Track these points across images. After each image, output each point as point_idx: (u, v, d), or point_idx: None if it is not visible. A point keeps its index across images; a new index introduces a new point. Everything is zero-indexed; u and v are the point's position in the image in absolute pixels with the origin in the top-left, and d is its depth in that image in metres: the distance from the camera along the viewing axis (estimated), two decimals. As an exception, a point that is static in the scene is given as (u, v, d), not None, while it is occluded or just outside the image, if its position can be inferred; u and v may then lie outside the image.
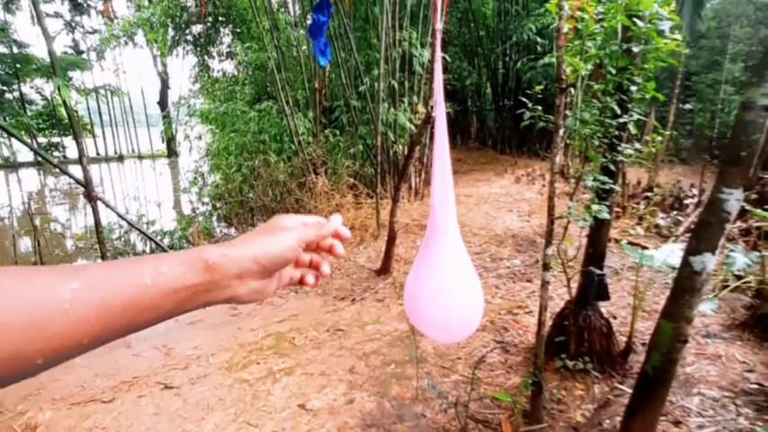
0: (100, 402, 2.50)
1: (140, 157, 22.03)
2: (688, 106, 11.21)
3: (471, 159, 11.66)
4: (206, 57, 9.97)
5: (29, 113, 17.44)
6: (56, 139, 18.90)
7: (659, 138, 2.50)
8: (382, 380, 2.59)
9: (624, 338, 2.63)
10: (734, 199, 1.71)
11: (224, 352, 3.01)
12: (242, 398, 2.49)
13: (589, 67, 2.27)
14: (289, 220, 0.47)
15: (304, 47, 6.78)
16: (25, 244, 6.44)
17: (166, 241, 5.43)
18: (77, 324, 0.31)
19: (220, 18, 9.24)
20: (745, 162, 1.72)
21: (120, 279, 0.34)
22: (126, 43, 11.01)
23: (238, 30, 8.97)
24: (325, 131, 6.66)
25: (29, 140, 13.09)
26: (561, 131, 1.97)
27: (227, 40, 9.85)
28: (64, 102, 3.45)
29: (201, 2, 7.86)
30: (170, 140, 16.73)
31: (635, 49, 2.13)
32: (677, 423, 2.13)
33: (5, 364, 0.29)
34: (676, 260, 2.20)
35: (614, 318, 3.11)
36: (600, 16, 2.10)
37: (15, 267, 0.31)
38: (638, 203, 6.01)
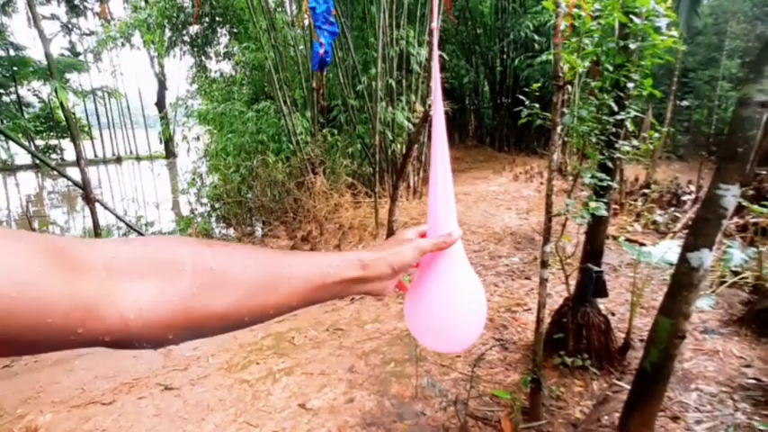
0: (100, 404, 2.50)
1: (138, 158, 21.99)
2: (685, 103, 11.21)
3: (469, 157, 11.67)
4: (203, 57, 9.95)
5: (26, 116, 17.40)
6: (53, 142, 18.85)
7: (656, 134, 2.50)
8: (382, 378, 2.60)
9: (622, 335, 2.64)
10: (731, 195, 1.72)
11: (224, 352, 3.01)
12: (242, 398, 2.49)
13: (586, 64, 2.28)
14: (409, 233, 0.60)
15: (301, 46, 6.77)
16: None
17: (165, 242, 5.42)
18: (292, 292, 0.43)
19: (217, 18, 9.22)
20: (741, 158, 1.73)
21: (314, 264, 0.46)
22: (123, 45, 10.98)
23: (235, 30, 8.95)
24: (323, 131, 6.66)
25: (26, 143, 13.06)
26: (559, 129, 1.97)
27: (224, 40, 9.83)
28: (61, 104, 3.44)
29: (196, 1, 7.84)
30: (168, 142, 16.72)
31: (632, 46, 2.13)
32: (675, 418, 2.14)
33: (254, 310, 0.40)
34: (674, 256, 2.21)
35: (613, 314, 3.11)
36: (597, 13, 2.10)
37: (251, 247, 0.44)
38: (635, 200, 6.02)
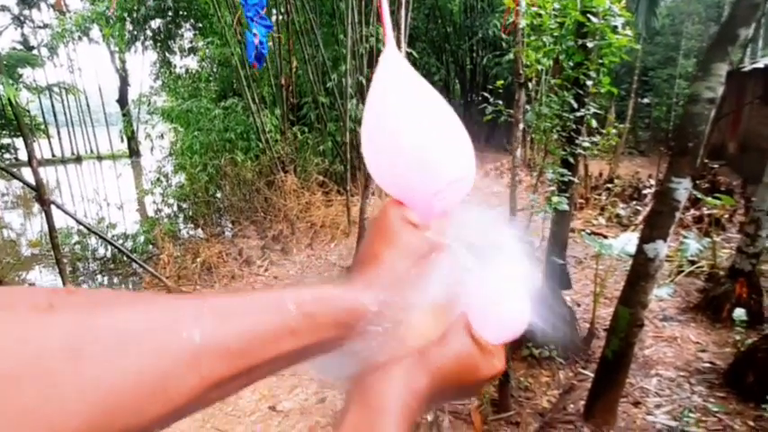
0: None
1: (99, 157, 21.06)
2: (646, 100, 11.69)
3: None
4: (167, 52, 9.61)
5: (-26, 114, 16.36)
6: (6, 140, 17.81)
7: (614, 131, 2.59)
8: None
9: (587, 325, 2.72)
10: (683, 188, 1.79)
11: (191, 357, 2.93)
12: (210, 403, 2.43)
13: (548, 62, 2.33)
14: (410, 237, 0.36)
15: (270, 42, 6.64)
16: (-27, 252, 6.06)
17: (129, 244, 5.22)
18: (199, 384, 0.22)
19: (181, 12, 8.92)
20: (692, 153, 1.81)
21: (248, 317, 0.25)
22: (80, 39, 10.48)
23: (200, 24, 8.69)
24: (293, 129, 6.56)
25: (-25, 142, 12.30)
26: (521, 125, 2.01)
27: (188, 35, 9.53)
28: (9, 101, 3.24)
29: None
30: (130, 140, 16.11)
31: (589, 45, 2.19)
32: (636, 404, 2.23)
33: None
34: (633, 248, 2.29)
35: (578, 305, 3.21)
36: (556, 12, 2.15)
37: (127, 293, 0.23)
38: (600, 194, 6.23)
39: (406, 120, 0.36)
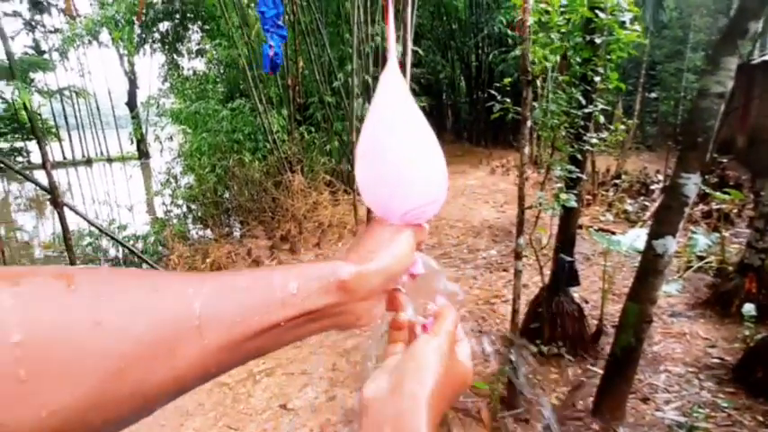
0: (74, 413, 2.44)
1: (109, 159, 21.31)
2: (653, 95, 11.55)
3: (447, 152, 11.67)
4: (175, 55, 9.71)
5: (-12, 118, 16.65)
6: (19, 144, 18.09)
7: (622, 126, 2.58)
8: (364, 376, 2.61)
9: (596, 322, 2.72)
10: (692, 183, 1.79)
11: (203, 355, 2.97)
12: (222, 401, 2.46)
13: (556, 58, 2.33)
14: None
15: (263, 46, 6.69)
16: (-11, 254, 6.16)
17: (140, 245, 5.29)
18: (204, 352, 0.25)
19: (188, 15, 9.01)
20: (701, 147, 1.80)
21: (246, 293, 0.29)
22: (90, 42, 10.62)
23: (207, 27, 8.77)
24: (300, 128, 6.59)
25: (-11, 146, 12.53)
26: (529, 123, 2.01)
27: (195, 37, 9.62)
28: (24, 105, 3.31)
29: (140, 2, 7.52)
30: (140, 142, 16.27)
31: (597, 41, 2.19)
32: (645, 400, 2.23)
33: (123, 406, 0.23)
34: (642, 244, 2.29)
35: (586, 302, 3.21)
36: (563, 9, 2.15)
37: (137, 271, 0.27)
38: (607, 190, 6.19)
39: (396, 138, 0.40)
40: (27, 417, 0.20)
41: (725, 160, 6.58)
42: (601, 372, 2.23)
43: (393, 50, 0.43)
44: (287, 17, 6.38)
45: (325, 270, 0.33)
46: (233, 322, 0.27)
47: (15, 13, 18.15)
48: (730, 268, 3.24)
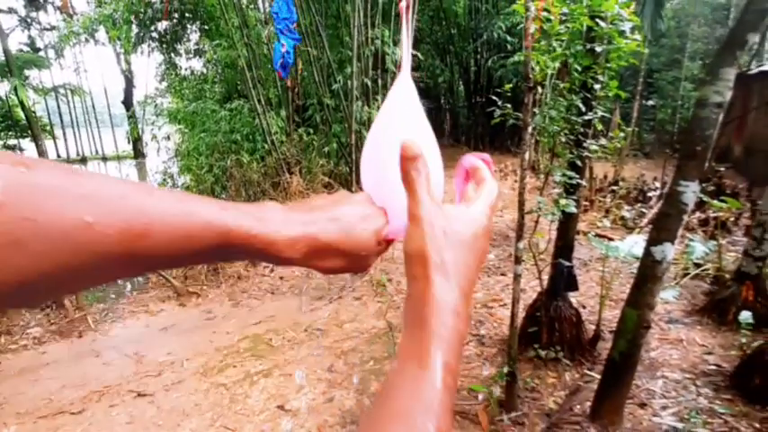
0: (69, 414, 2.42)
1: (105, 158, 21.18)
2: (651, 103, 11.67)
3: (445, 156, 11.73)
4: (173, 54, 9.67)
5: (-19, 114, 16.49)
6: (12, 142, 17.94)
7: (621, 134, 2.60)
8: (361, 377, 2.61)
9: (593, 327, 2.74)
10: (691, 191, 1.81)
11: (199, 356, 2.95)
12: (219, 402, 2.45)
13: (556, 65, 2.35)
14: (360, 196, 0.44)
15: (275, 43, 6.68)
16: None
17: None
18: (126, 227, 0.28)
19: (187, 14, 8.98)
20: (700, 156, 1.82)
21: (187, 203, 0.31)
22: (87, 40, 10.56)
23: (206, 27, 8.75)
24: (299, 130, 6.59)
25: (-17, 143, 12.41)
26: (530, 129, 2.03)
27: (194, 37, 9.59)
28: (21, 102, 3.29)
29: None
30: (136, 141, 16.20)
31: (598, 49, 2.21)
32: (643, 405, 2.24)
33: (109, 237, 0.26)
34: (639, 250, 2.30)
35: (584, 307, 3.22)
36: (565, 17, 2.17)
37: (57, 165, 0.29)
38: (604, 197, 6.23)
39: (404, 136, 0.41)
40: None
41: (722, 169, 6.64)
42: (598, 376, 2.24)
43: (408, 59, 0.44)
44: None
45: (261, 208, 0.35)
46: (175, 215, 0.30)
47: (11, 10, 18.04)
48: (727, 276, 3.26)
